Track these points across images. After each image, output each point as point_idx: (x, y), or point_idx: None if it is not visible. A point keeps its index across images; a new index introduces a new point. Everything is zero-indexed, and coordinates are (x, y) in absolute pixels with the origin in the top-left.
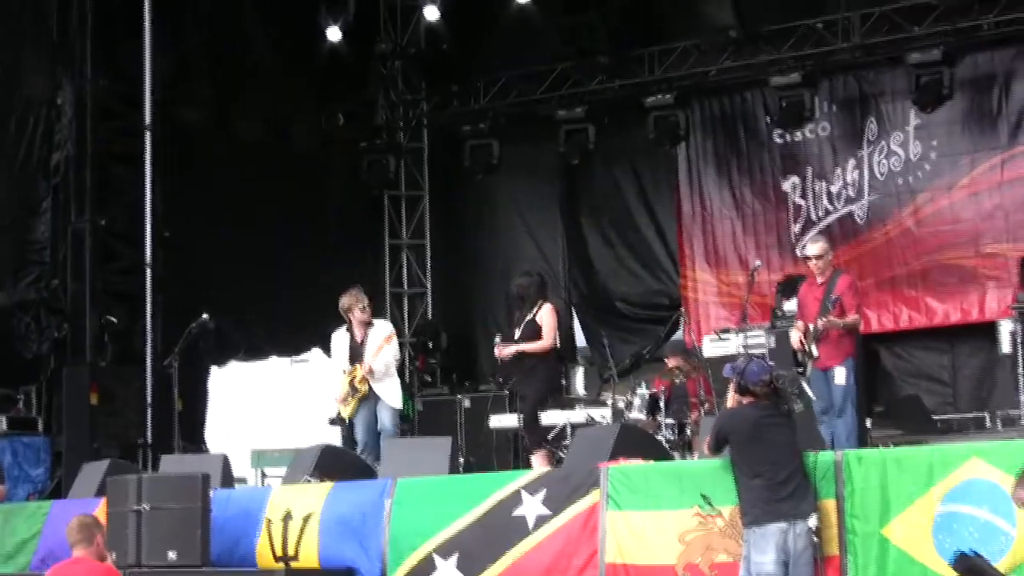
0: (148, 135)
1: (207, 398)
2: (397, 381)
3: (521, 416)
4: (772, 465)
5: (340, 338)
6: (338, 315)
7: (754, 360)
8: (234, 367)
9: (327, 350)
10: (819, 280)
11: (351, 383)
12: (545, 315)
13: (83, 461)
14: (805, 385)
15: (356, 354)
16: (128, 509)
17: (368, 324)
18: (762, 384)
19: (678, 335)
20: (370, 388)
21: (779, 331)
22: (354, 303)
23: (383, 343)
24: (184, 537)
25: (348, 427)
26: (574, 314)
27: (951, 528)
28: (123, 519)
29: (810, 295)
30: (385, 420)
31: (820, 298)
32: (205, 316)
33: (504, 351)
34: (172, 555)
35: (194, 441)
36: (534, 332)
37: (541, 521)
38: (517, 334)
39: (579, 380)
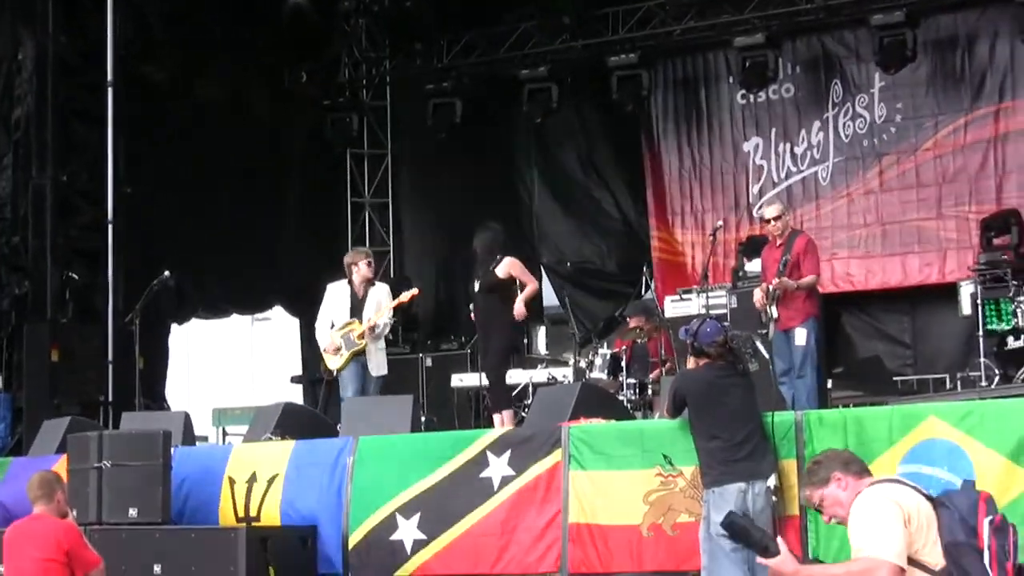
0: (110, 92)
1: (168, 356)
2: (384, 347)
3: (488, 379)
4: (729, 426)
5: (339, 290)
6: (299, 273)
7: (707, 321)
8: (195, 325)
9: (288, 308)
10: (778, 242)
11: (347, 336)
12: (513, 266)
13: (44, 418)
14: (759, 344)
15: (356, 309)
16: (89, 466)
17: (370, 282)
18: (716, 345)
19: (649, 295)
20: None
21: (740, 291)
22: (360, 257)
23: (388, 302)
24: (145, 494)
25: (331, 382)
26: (543, 273)
27: None
28: (84, 476)
29: (770, 257)
30: (370, 387)
31: (779, 259)
32: (166, 273)
33: (519, 312)
34: (133, 512)
35: (155, 399)
36: (494, 283)
37: (505, 482)
38: (476, 287)
39: (541, 340)
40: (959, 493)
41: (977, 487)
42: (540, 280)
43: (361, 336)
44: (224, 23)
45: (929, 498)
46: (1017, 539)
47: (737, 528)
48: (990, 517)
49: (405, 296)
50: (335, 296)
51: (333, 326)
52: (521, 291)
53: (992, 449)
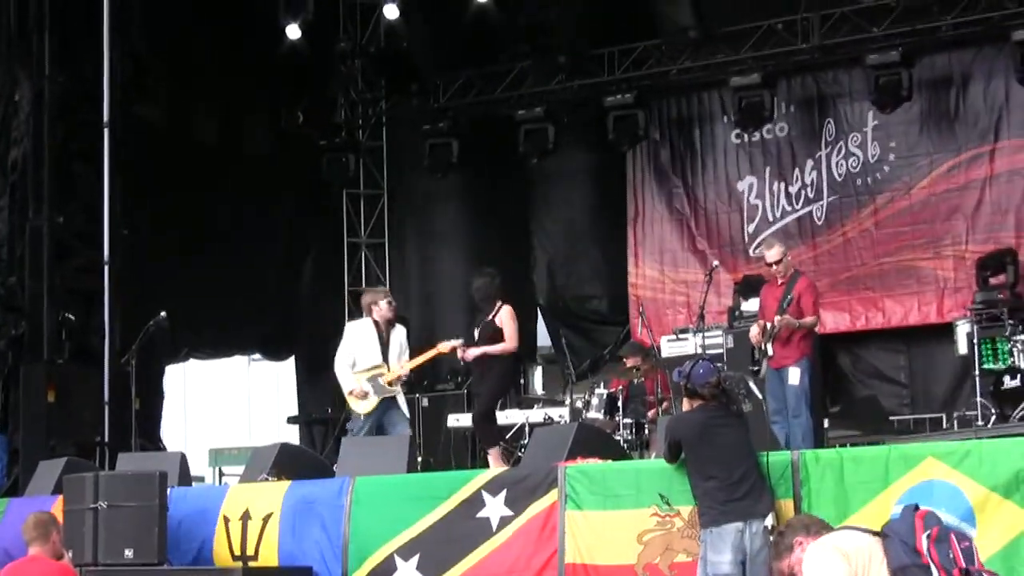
0: (106, 133)
1: (163, 396)
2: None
3: (473, 414)
4: (724, 466)
5: (362, 329)
6: (295, 312)
7: (700, 362)
8: (192, 365)
9: (267, 352)
10: (779, 281)
11: (374, 379)
12: (505, 317)
13: (40, 459)
14: (752, 384)
15: (384, 351)
16: (85, 507)
17: (391, 322)
18: (709, 386)
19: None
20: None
21: (737, 331)
22: (380, 297)
23: (406, 344)
24: (141, 535)
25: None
26: (538, 313)
27: None
28: (80, 517)
29: (771, 295)
30: (404, 427)
31: (780, 298)
32: (163, 314)
33: (467, 355)
34: (129, 553)
35: (151, 439)
36: (493, 333)
37: (504, 522)
38: (476, 334)
39: (538, 380)
40: (899, 520)
41: (976, 528)
42: (535, 320)
43: (391, 383)
44: (220, 64)
45: (877, 534)
46: (969, 545)
47: None
48: (927, 532)
49: (445, 347)
50: (358, 335)
51: (354, 366)
52: (493, 341)
53: (990, 490)
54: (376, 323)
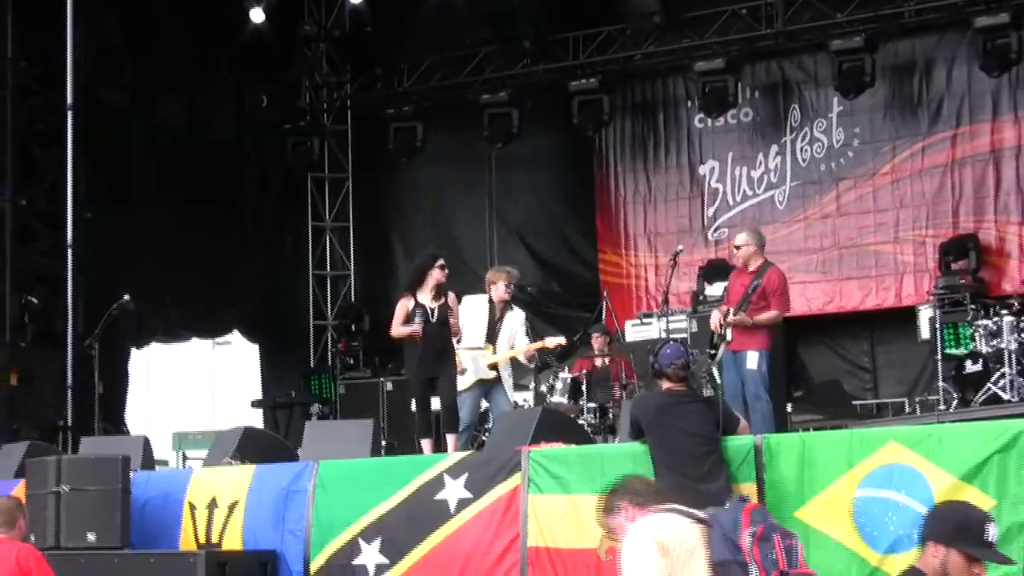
0: (70, 115)
1: (127, 380)
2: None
3: (443, 399)
4: (683, 450)
5: (476, 307)
6: (258, 297)
7: (670, 343)
8: (156, 349)
9: (246, 333)
10: (750, 268)
11: (475, 359)
12: (454, 302)
13: (2, 442)
14: (715, 370)
15: (491, 333)
16: (47, 491)
17: (507, 304)
18: (674, 367)
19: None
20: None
21: (701, 315)
22: (501, 277)
23: (523, 333)
24: (104, 519)
25: None
26: None
27: (870, 512)
28: (42, 501)
29: (738, 282)
30: (504, 405)
31: (747, 285)
32: (126, 297)
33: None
34: (91, 537)
35: (115, 423)
36: (447, 317)
37: (463, 504)
38: (433, 315)
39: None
40: (726, 510)
41: None
42: None
43: (491, 366)
44: (185, 47)
45: (703, 520)
46: (793, 543)
47: None
48: (752, 529)
49: (550, 342)
50: (470, 311)
51: (459, 341)
52: (446, 325)
53: (951, 473)
54: (491, 302)
